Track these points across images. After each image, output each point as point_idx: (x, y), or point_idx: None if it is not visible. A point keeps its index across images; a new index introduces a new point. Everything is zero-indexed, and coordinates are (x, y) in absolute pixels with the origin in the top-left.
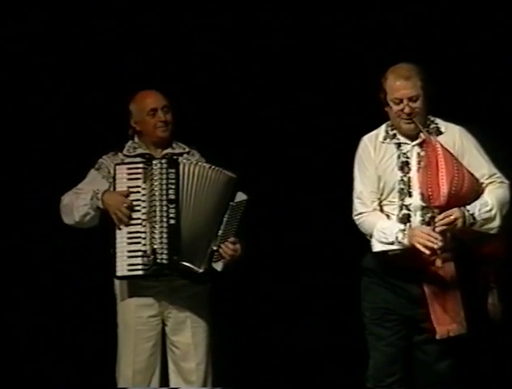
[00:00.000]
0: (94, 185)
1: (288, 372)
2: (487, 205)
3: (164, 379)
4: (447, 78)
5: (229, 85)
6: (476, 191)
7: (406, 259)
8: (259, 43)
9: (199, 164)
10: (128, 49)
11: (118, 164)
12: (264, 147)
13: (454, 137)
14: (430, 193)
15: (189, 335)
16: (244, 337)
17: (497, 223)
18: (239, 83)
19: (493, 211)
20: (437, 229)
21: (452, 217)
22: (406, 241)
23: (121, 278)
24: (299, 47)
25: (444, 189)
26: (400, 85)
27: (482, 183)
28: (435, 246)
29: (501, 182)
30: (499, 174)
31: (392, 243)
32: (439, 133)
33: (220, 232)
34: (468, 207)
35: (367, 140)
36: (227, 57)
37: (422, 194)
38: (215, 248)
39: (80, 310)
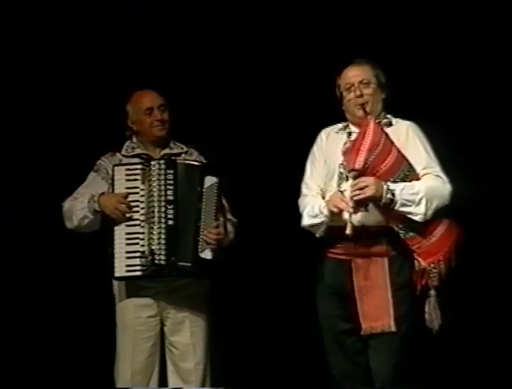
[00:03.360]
0: (93, 188)
1: (288, 372)
2: (413, 188)
3: (163, 379)
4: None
5: (226, 84)
6: (406, 176)
7: (335, 246)
8: (255, 42)
9: (183, 162)
10: (124, 49)
11: (116, 165)
12: (262, 144)
13: (401, 129)
14: (349, 157)
15: (188, 336)
16: (243, 337)
17: (421, 209)
18: (236, 82)
19: (419, 196)
20: (349, 194)
21: (363, 184)
22: (326, 210)
23: (120, 279)
24: (294, 46)
25: (362, 153)
26: (351, 71)
27: (418, 174)
28: (345, 209)
29: (437, 176)
30: (438, 169)
31: (316, 215)
32: (389, 125)
33: (199, 221)
34: (389, 183)
35: (323, 131)
36: (224, 56)
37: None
38: (197, 238)
39: (79, 311)
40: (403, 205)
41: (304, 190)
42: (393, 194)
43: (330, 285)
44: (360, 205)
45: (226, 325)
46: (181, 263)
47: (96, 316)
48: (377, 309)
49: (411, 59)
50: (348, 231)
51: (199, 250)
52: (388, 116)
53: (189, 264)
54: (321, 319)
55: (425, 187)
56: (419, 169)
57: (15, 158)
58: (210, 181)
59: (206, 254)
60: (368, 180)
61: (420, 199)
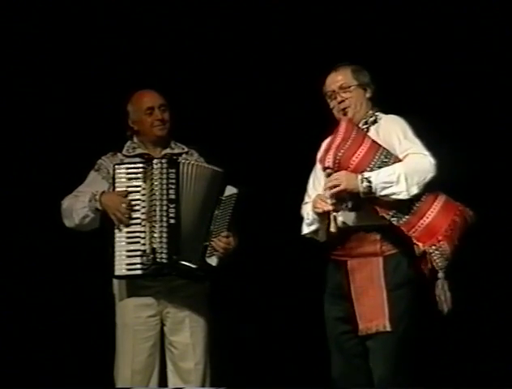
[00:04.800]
0: (94, 187)
1: (288, 372)
2: (389, 169)
3: (163, 379)
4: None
5: (227, 84)
6: (384, 163)
7: (333, 248)
8: (256, 42)
9: (193, 163)
10: (125, 49)
11: (117, 164)
12: (262, 145)
13: (382, 124)
14: (321, 157)
15: (188, 335)
16: (243, 337)
17: (402, 187)
18: (237, 82)
19: (395, 175)
20: (326, 192)
21: (335, 179)
22: (315, 215)
23: (120, 277)
24: (294, 46)
25: (331, 151)
26: (330, 78)
27: (399, 159)
28: (325, 208)
29: (415, 153)
30: (416, 147)
31: (312, 223)
32: (375, 123)
33: (212, 226)
34: (364, 172)
35: (327, 139)
36: (224, 56)
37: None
38: (207, 243)
39: (78, 310)
40: (384, 188)
41: (305, 198)
42: (369, 182)
43: (330, 286)
44: (338, 201)
45: (226, 325)
46: (185, 264)
47: (96, 315)
48: (372, 310)
49: (402, 56)
50: (332, 229)
51: (207, 255)
52: (376, 113)
53: (194, 266)
54: (325, 320)
55: (402, 165)
56: (400, 153)
57: (16, 157)
58: (230, 190)
59: (212, 260)
60: (339, 174)
61: (398, 177)
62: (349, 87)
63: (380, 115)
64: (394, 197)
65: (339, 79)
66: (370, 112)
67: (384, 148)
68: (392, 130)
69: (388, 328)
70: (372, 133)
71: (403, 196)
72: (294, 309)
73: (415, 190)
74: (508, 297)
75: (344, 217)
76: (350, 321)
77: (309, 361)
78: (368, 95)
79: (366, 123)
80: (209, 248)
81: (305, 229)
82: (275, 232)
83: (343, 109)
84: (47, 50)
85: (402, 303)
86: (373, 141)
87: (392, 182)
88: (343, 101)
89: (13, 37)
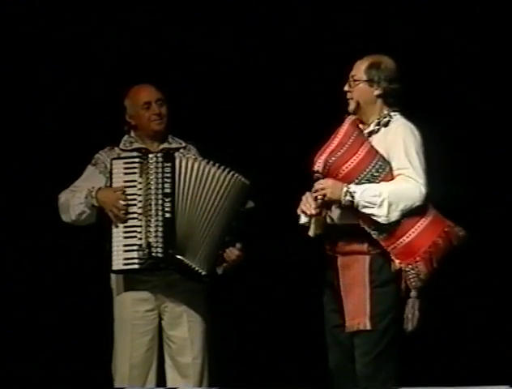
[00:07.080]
0: (91, 182)
1: (287, 369)
2: (376, 190)
3: (161, 374)
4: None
5: (225, 79)
6: (374, 177)
7: (325, 243)
8: (255, 37)
9: (200, 160)
10: (122, 43)
11: (115, 159)
12: (260, 140)
13: (392, 129)
14: (314, 158)
15: (186, 330)
16: (242, 332)
17: (383, 211)
18: (235, 76)
19: (380, 198)
20: (312, 195)
21: (320, 186)
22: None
23: (117, 272)
24: (294, 42)
25: (323, 155)
26: (355, 64)
27: (392, 174)
28: (308, 211)
29: (408, 177)
30: (412, 170)
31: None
32: (386, 125)
33: (228, 237)
34: (351, 185)
35: None
36: (222, 50)
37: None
38: (221, 252)
39: (76, 305)
40: (365, 207)
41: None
42: (352, 197)
43: (325, 280)
44: (321, 207)
45: (225, 320)
46: (196, 269)
47: (94, 310)
48: (356, 308)
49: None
50: (310, 233)
51: (217, 263)
52: (392, 114)
53: (204, 272)
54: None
55: (390, 189)
56: (394, 169)
57: (14, 152)
58: (248, 204)
59: (219, 269)
60: (325, 182)
61: (382, 201)
62: (359, 80)
63: (395, 117)
64: (373, 218)
65: (354, 70)
66: (385, 112)
67: (378, 160)
68: (395, 141)
69: (368, 327)
70: (380, 135)
71: (382, 220)
72: (295, 305)
73: (395, 217)
74: (492, 296)
75: (333, 215)
76: (342, 315)
77: (309, 357)
78: (377, 92)
79: (378, 124)
80: (220, 258)
81: (303, 219)
82: (273, 227)
83: (347, 99)
84: (44, 45)
85: (386, 300)
86: (370, 150)
87: (375, 204)
88: (348, 92)
89: (11, 34)
